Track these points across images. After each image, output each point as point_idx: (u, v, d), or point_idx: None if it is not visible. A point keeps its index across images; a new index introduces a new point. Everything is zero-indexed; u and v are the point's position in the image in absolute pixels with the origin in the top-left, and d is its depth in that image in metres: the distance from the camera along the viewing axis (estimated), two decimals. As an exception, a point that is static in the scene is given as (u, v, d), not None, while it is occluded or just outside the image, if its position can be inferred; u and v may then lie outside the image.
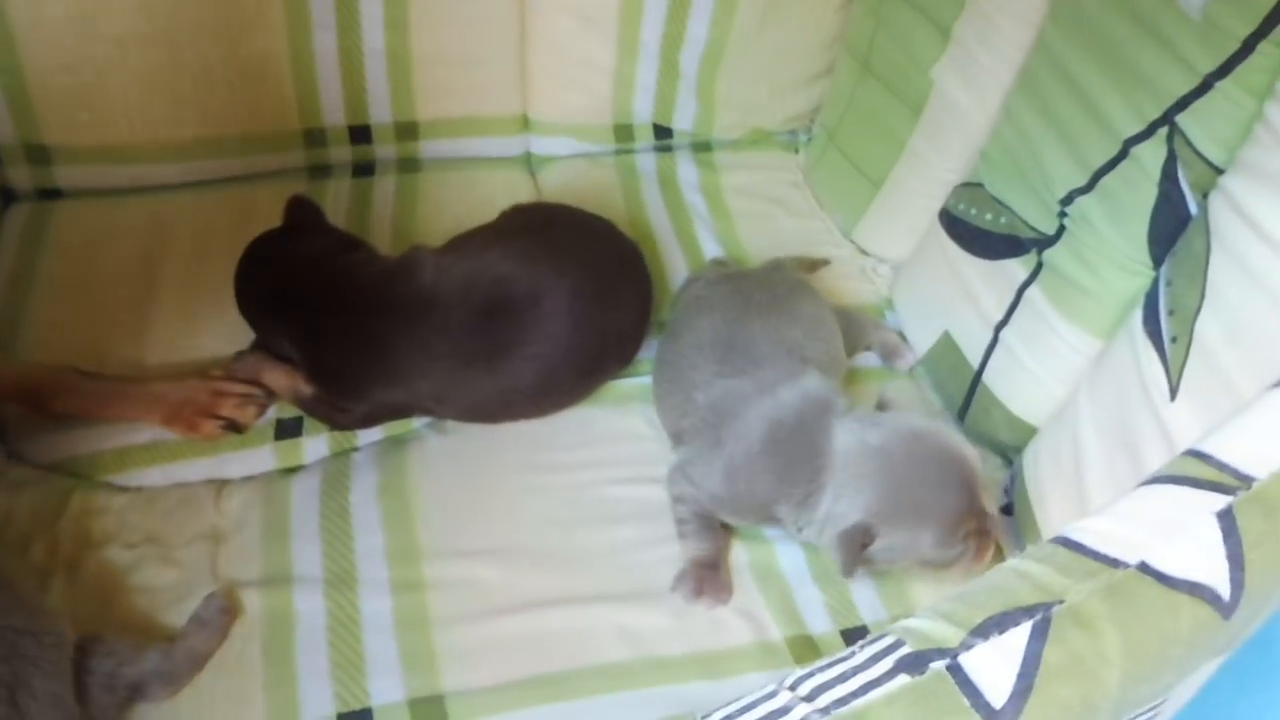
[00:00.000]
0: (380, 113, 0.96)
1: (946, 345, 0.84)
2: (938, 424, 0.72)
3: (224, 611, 0.67)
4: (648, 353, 0.84)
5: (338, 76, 0.93)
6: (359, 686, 0.64)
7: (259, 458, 0.77)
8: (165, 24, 0.87)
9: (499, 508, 0.74)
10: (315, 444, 0.78)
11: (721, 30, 0.95)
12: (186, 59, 0.89)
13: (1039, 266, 0.76)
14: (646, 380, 0.82)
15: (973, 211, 0.83)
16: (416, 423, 0.80)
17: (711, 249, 0.95)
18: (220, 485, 0.75)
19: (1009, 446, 0.80)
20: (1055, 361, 0.74)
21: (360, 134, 0.97)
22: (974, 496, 0.66)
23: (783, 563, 0.73)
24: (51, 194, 0.93)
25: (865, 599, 0.71)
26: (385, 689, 0.64)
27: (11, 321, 0.84)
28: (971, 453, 0.68)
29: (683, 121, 1.02)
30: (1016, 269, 0.78)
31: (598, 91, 0.99)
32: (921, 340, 0.87)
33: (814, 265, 0.94)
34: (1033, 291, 0.77)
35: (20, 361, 0.81)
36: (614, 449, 0.78)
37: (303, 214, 0.82)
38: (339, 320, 0.76)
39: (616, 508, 0.74)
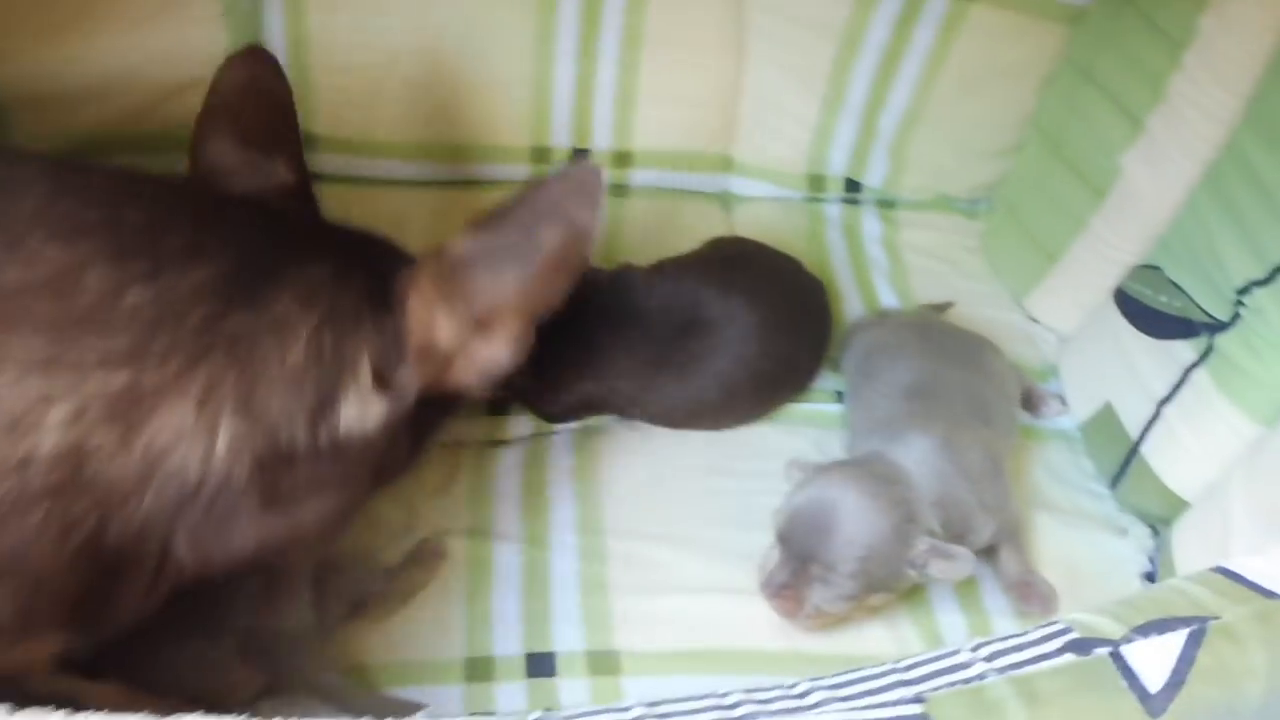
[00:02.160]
0: (601, 139, 1.08)
1: (1107, 415, 0.90)
2: None
3: (435, 554, 0.79)
4: (821, 383, 0.93)
5: (570, 103, 1.05)
6: (544, 632, 0.75)
7: (470, 427, 0.89)
8: (432, 42, 1.01)
9: (677, 501, 0.83)
10: (519, 423, 0.90)
11: (921, 99, 1.04)
12: (445, 73, 1.03)
13: (1208, 350, 0.81)
14: (819, 406, 0.92)
15: (1148, 292, 0.89)
16: (609, 418, 0.90)
17: (887, 297, 1.03)
18: (438, 448, 0.87)
19: (1158, 518, 0.85)
20: (1214, 441, 0.79)
21: (580, 156, 1.09)
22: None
23: (929, 588, 0.80)
24: (314, 176, 1.08)
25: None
26: (567, 638, 0.74)
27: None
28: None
29: (872, 178, 1.11)
30: (1185, 350, 0.83)
31: (798, 142, 1.09)
32: (1082, 408, 0.93)
33: (941, 308, 1.01)
34: (1199, 373, 0.82)
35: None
36: (782, 464, 0.86)
37: None
38: (557, 319, 0.87)
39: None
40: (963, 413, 0.83)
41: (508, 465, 0.86)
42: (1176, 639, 0.42)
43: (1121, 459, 0.88)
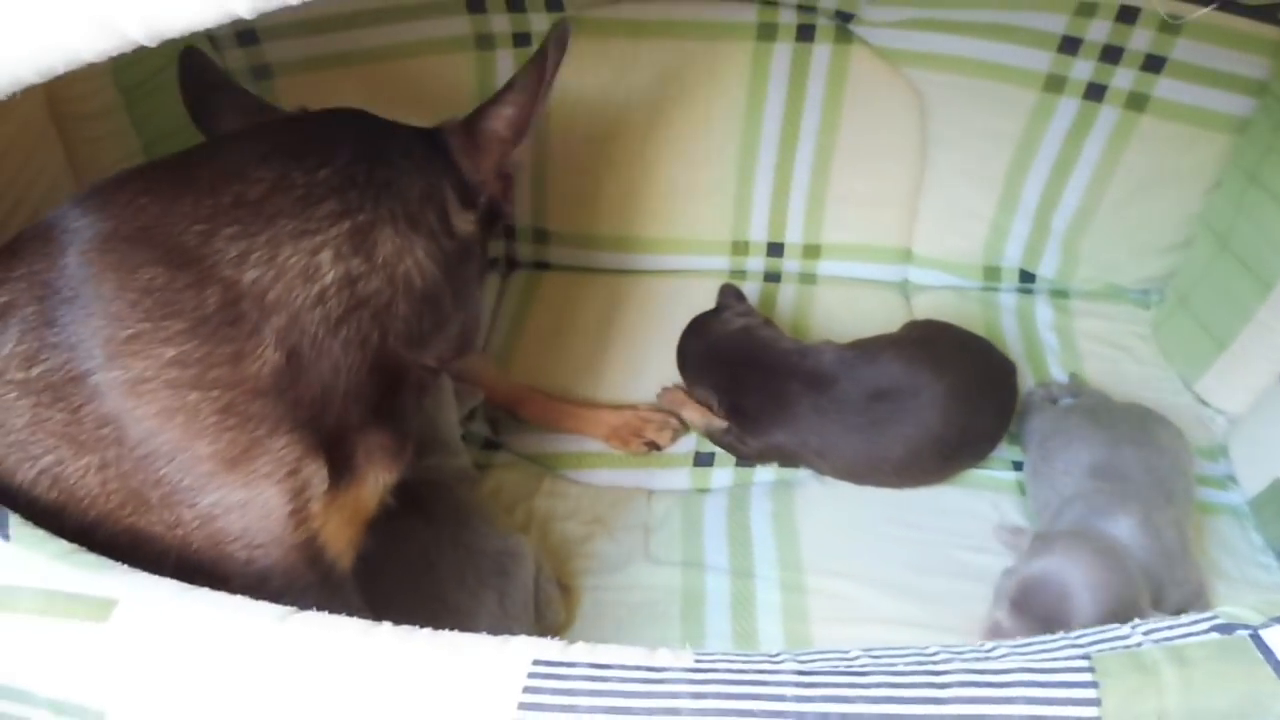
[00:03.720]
0: (794, 234, 1.26)
1: (1276, 491, 0.98)
2: None
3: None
4: (1000, 452, 1.05)
5: (768, 203, 1.24)
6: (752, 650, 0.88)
7: (678, 476, 1.06)
8: (653, 153, 1.22)
9: (866, 545, 0.96)
10: (722, 474, 1.05)
11: (1093, 198, 1.17)
12: (660, 178, 1.23)
13: (1370, 431, 0.90)
14: (998, 473, 1.03)
15: (1313, 378, 0.98)
16: (802, 472, 1.04)
17: (1059, 379, 1.14)
18: (649, 493, 1.04)
19: (1327, 588, 0.92)
20: (1377, 514, 0.87)
21: (775, 249, 1.27)
22: None
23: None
24: (543, 265, 1.30)
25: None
26: (769, 659, 0.88)
27: (509, 352, 1.19)
28: None
29: (1046, 270, 1.24)
30: (1350, 432, 0.92)
31: (975, 236, 1.23)
32: (1252, 484, 1.02)
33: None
34: (1361, 453, 0.90)
35: (509, 380, 1.16)
36: (963, 523, 0.99)
37: (731, 298, 1.11)
38: (758, 376, 1.03)
39: (962, 567, 0.94)
40: (1150, 492, 0.90)
41: (713, 508, 1.01)
42: (1309, 629, 0.53)
43: (1290, 532, 0.96)
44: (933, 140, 1.19)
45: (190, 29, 0.54)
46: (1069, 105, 1.13)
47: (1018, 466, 1.04)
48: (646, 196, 1.24)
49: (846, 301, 1.25)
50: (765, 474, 1.05)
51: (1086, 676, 0.51)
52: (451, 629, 0.79)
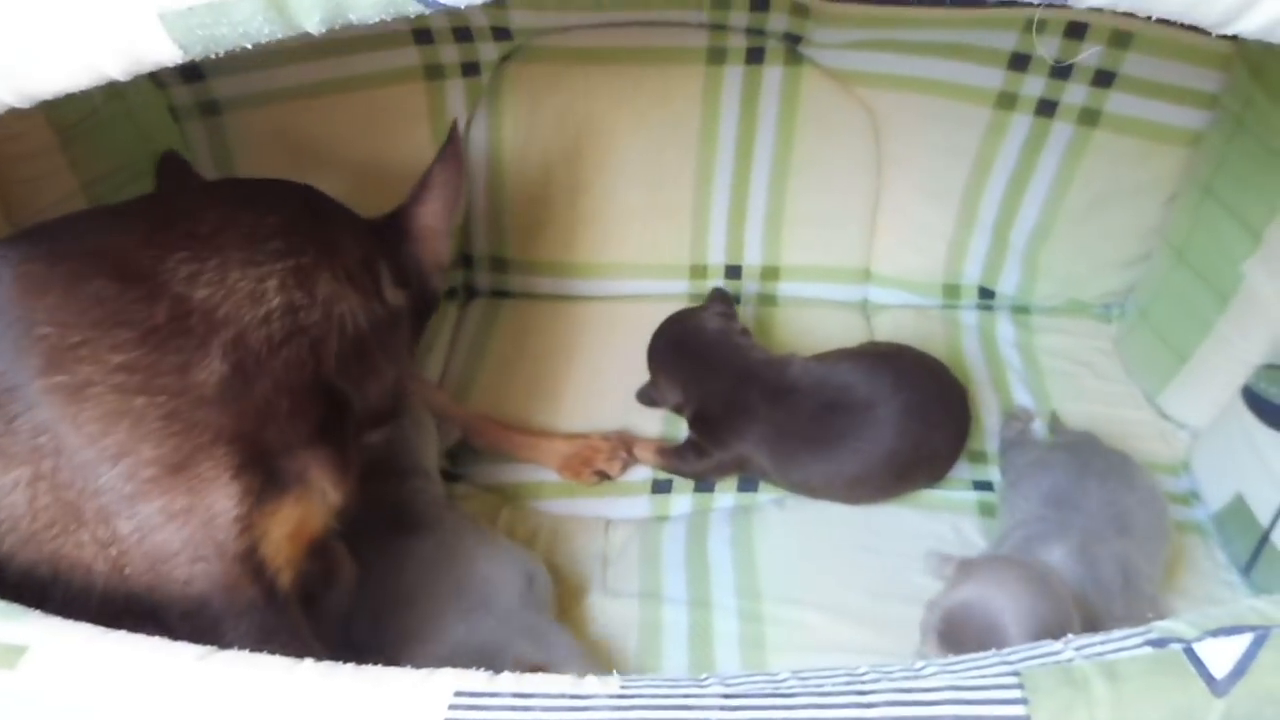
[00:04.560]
0: (752, 256, 1.27)
1: (1238, 506, 0.98)
2: None
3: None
4: (960, 472, 1.05)
5: (725, 225, 1.25)
6: (705, 683, 0.88)
7: (637, 505, 1.06)
8: (609, 179, 1.23)
9: (825, 572, 0.96)
10: (681, 500, 1.05)
11: (1051, 213, 1.18)
12: (616, 202, 1.24)
13: (1331, 442, 0.90)
14: (957, 494, 1.04)
15: (1273, 390, 0.98)
16: (761, 496, 1.05)
17: (1022, 397, 1.15)
18: (607, 522, 1.04)
19: (1292, 602, 0.92)
20: (1340, 526, 0.88)
21: (733, 271, 1.27)
22: None
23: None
24: (502, 294, 1.31)
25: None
26: (725, 689, 0.87)
27: (467, 381, 1.19)
28: None
29: (1006, 286, 1.25)
30: (1310, 443, 0.92)
31: (934, 254, 1.24)
32: (1214, 500, 1.02)
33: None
34: (1324, 465, 0.91)
35: (465, 409, 1.16)
36: (922, 545, 0.98)
37: (718, 301, 1.10)
38: (724, 383, 1.03)
39: (921, 591, 0.92)
40: (1099, 523, 0.90)
41: (671, 537, 1.01)
42: (1243, 640, 0.53)
43: (1253, 547, 0.96)
44: (888, 159, 1.20)
45: (63, 92, 0.56)
46: (1022, 121, 1.14)
47: (978, 487, 1.05)
48: (603, 222, 1.25)
49: (807, 323, 1.26)
50: (724, 499, 1.05)
51: (1015, 693, 0.51)
52: (475, 602, 0.85)
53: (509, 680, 0.54)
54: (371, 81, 1.15)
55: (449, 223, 0.92)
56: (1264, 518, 0.95)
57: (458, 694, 0.53)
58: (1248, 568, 0.97)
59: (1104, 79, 1.10)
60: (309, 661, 0.56)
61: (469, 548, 0.88)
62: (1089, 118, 1.12)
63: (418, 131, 1.20)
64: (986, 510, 1.03)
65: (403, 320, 0.87)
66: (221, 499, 0.63)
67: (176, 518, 0.62)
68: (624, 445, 1.09)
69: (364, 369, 0.78)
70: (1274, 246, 0.99)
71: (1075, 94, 1.12)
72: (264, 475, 0.66)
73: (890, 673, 0.54)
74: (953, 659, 0.55)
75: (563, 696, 0.53)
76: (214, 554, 0.63)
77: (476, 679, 0.54)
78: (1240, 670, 0.52)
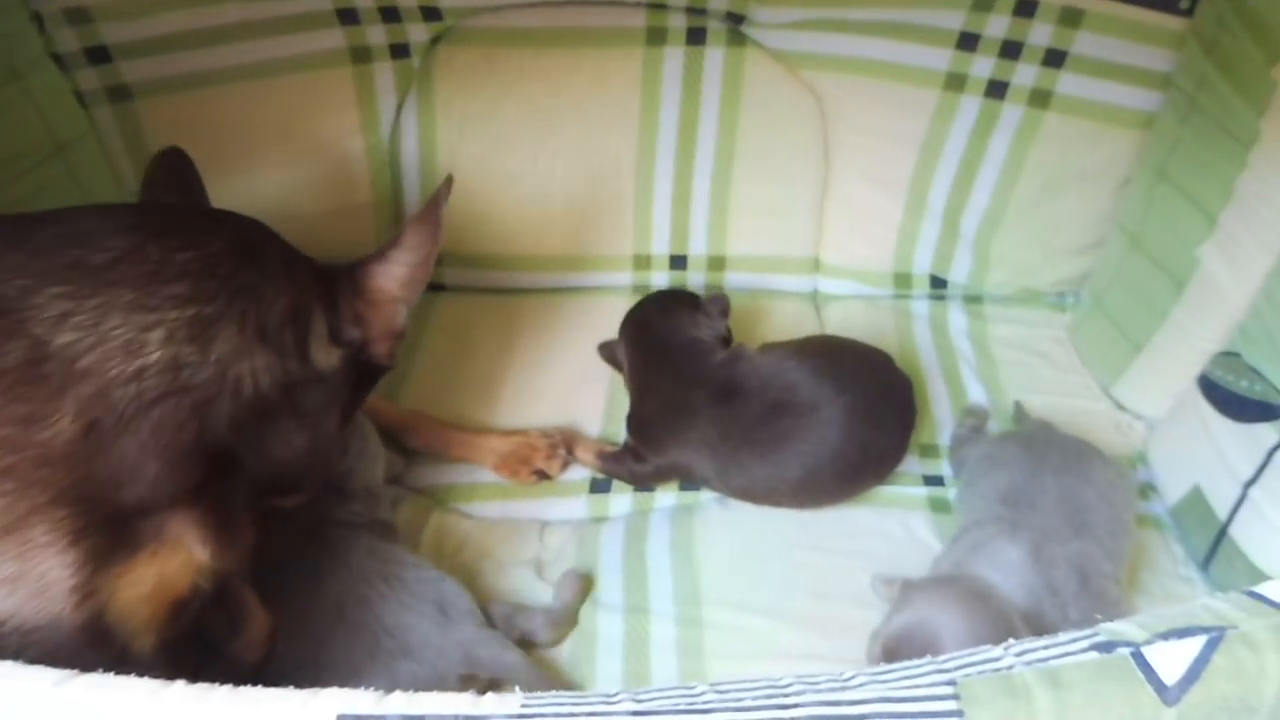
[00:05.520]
0: (698, 247, 1.22)
1: (1195, 498, 0.95)
2: None
3: (579, 577, 0.90)
4: (909, 467, 1.01)
5: (669, 216, 1.20)
6: (642, 695, 0.83)
7: (575, 506, 1.01)
8: (545, 166, 1.18)
9: (768, 573, 0.92)
10: (620, 501, 1.01)
11: (1002, 200, 1.15)
12: (556, 194, 1.19)
13: (1290, 432, 0.87)
14: (907, 489, 1.00)
15: (1229, 378, 0.95)
16: (704, 495, 1.00)
17: (974, 389, 1.12)
18: (543, 525, 0.99)
19: (1250, 597, 0.89)
20: (1300, 520, 0.84)
21: (678, 262, 1.23)
22: None
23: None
24: (437, 288, 1.25)
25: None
26: (663, 700, 0.83)
27: (403, 377, 1.13)
28: None
29: (958, 275, 1.21)
30: (1268, 432, 0.88)
31: (883, 243, 1.21)
32: (1172, 493, 0.99)
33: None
34: (1282, 455, 0.88)
35: (396, 406, 1.10)
36: (871, 544, 0.94)
37: (716, 309, 1.05)
38: (669, 383, 0.99)
39: (868, 593, 0.90)
40: (1055, 521, 0.86)
41: (609, 539, 0.96)
42: (1195, 643, 0.49)
43: (1211, 541, 0.92)
44: (835, 145, 1.16)
45: None
46: (971, 104, 1.11)
47: (929, 482, 1.01)
48: (542, 212, 1.20)
49: (755, 314, 1.21)
50: (666, 499, 1.01)
51: (950, 705, 0.47)
52: (393, 650, 0.80)
53: (399, 700, 0.50)
54: (295, 65, 1.09)
55: (412, 293, 0.81)
56: (1222, 511, 0.92)
57: (341, 716, 0.48)
58: (1206, 562, 0.93)
59: (1055, 59, 1.06)
60: (180, 684, 0.51)
61: (376, 597, 0.82)
62: (1040, 99, 1.09)
63: (346, 118, 1.14)
64: (938, 506, 0.99)
65: (332, 383, 0.77)
66: (56, 567, 0.56)
67: (3, 586, 0.55)
68: (564, 443, 1.05)
69: (268, 434, 0.70)
70: (1230, 230, 0.96)
71: (1025, 75, 1.08)
72: (111, 536, 0.59)
73: (816, 683, 0.50)
74: (883, 668, 0.51)
75: (458, 718, 0.48)
76: (49, 625, 0.57)
77: (363, 699, 0.49)
78: (1192, 676, 0.48)
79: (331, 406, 0.79)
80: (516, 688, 0.53)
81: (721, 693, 0.49)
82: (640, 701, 0.49)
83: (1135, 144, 1.09)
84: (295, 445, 0.74)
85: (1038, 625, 0.79)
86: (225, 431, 0.66)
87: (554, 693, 0.50)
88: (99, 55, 1.02)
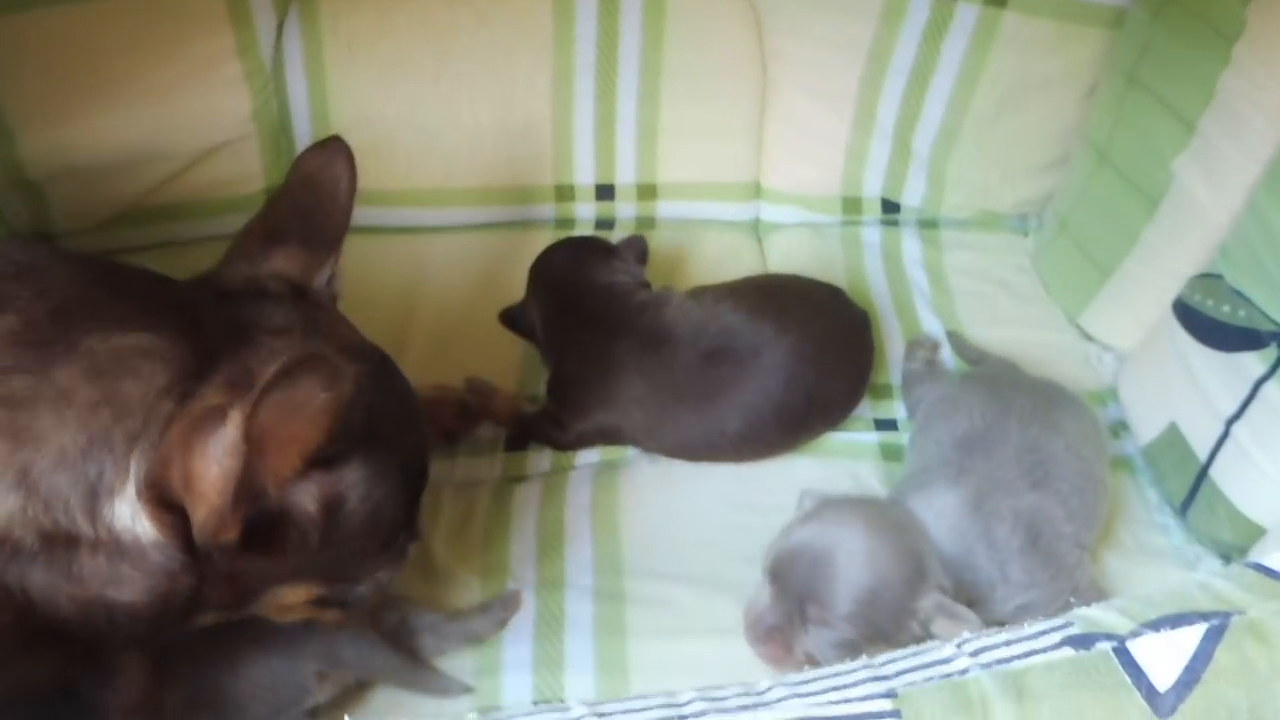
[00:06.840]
0: (625, 175, 1.11)
1: (1172, 437, 0.86)
2: None
3: (507, 606, 0.78)
4: (862, 411, 0.92)
5: (591, 141, 1.09)
6: (556, 681, 0.74)
7: (488, 465, 0.90)
8: (449, 89, 1.05)
9: (699, 538, 0.82)
10: (539, 459, 0.90)
11: (957, 115, 1.04)
12: (463, 119, 1.07)
13: (1279, 361, 0.78)
14: (855, 436, 0.91)
15: (1209, 303, 0.86)
16: (630, 450, 0.90)
17: (930, 323, 1.02)
18: (455, 486, 0.88)
19: (1232, 546, 0.81)
20: (1292, 461, 0.75)
21: (605, 192, 1.12)
22: None
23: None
24: (335, 228, 1.12)
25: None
26: (580, 686, 0.73)
27: (293, 331, 1.02)
28: None
29: (911, 198, 1.11)
30: (1253, 363, 0.80)
31: (830, 165, 1.10)
32: (1146, 431, 0.90)
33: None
34: (1270, 387, 0.78)
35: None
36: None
37: (631, 251, 0.95)
38: (588, 337, 0.89)
39: (811, 555, 0.80)
40: (1009, 473, 0.78)
41: (525, 502, 0.86)
42: (1193, 634, 0.39)
43: (1190, 484, 0.84)
44: (773, 55, 1.05)
45: None
46: (922, 5, 1.00)
47: (880, 426, 0.92)
48: (447, 141, 1.08)
49: (692, 248, 1.11)
50: (589, 455, 0.90)
51: (887, 726, 0.37)
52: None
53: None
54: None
55: (226, 497, 0.51)
56: (1201, 450, 0.83)
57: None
58: (1183, 507, 0.85)
59: (1014, -51, 0.95)
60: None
61: (244, 657, 0.70)
62: (997, -3, 0.98)
63: (219, 41, 1.01)
64: (890, 454, 0.90)
65: (161, 561, 0.52)
66: None
67: None
68: (476, 396, 0.94)
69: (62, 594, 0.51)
70: (1210, 138, 0.87)
71: (981, -31, 0.97)
72: None
73: (721, 700, 0.40)
74: (807, 674, 0.41)
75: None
76: None
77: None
78: (1191, 678, 0.38)
79: (145, 593, 0.54)
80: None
81: (602, 715, 0.39)
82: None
83: (1102, 45, 1.00)
84: (69, 606, 0.52)
85: (966, 578, 0.72)
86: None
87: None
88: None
